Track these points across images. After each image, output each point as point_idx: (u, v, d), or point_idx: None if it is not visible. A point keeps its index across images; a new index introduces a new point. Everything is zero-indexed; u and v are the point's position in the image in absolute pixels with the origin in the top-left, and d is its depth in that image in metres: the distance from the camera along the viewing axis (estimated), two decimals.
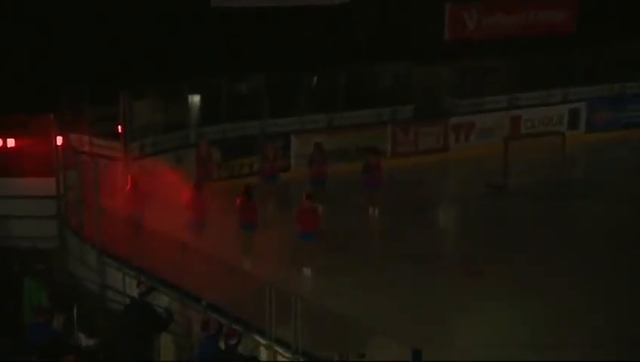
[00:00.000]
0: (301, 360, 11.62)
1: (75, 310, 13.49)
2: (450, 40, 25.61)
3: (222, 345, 11.76)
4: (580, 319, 13.98)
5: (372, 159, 19.25)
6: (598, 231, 18.35)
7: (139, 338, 12.36)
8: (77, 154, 17.56)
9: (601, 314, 14.15)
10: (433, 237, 18.46)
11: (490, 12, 26.17)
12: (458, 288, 15.13)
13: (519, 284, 15.24)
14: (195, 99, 21.84)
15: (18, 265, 15.20)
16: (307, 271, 15.71)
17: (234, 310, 12.71)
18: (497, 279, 15.55)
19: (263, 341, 12.22)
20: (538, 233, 18.09)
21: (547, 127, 24.71)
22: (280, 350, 11.99)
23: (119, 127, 19.05)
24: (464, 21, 25.91)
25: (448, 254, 17.57)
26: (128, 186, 16.88)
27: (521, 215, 19.47)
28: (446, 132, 23.87)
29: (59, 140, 17.72)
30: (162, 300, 13.50)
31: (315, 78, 23.13)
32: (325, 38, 23.25)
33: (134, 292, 14.21)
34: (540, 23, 26.69)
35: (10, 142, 18.21)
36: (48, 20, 20.92)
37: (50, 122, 17.68)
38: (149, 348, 12.56)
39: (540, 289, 15.03)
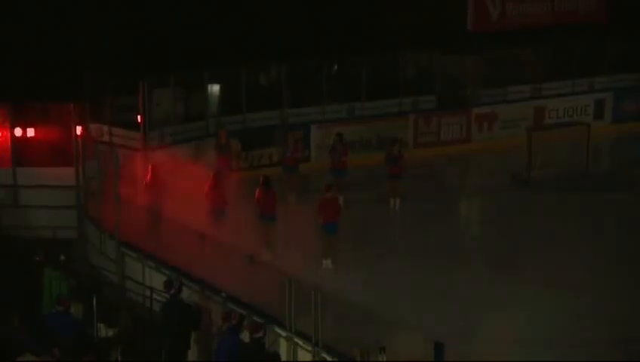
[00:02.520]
0: (321, 352, 11.46)
1: (94, 300, 13.41)
2: (473, 30, 25.28)
3: (245, 338, 11.63)
4: (605, 313, 13.71)
5: (394, 149, 19.06)
6: (623, 223, 18.02)
7: (179, 337, 12.32)
8: (96, 144, 17.50)
9: (628, 308, 13.87)
10: (456, 229, 18.23)
11: (514, 1, 25.79)
12: (482, 281, 14.91)
13: (544, 277, 14.99)
14: (215, 89, 21.72)
15: (39, 255, 15.14)
16: (328, 263, 15.55)
17: (254, 302, 12.57)
18: (522, 272, 15.31)
19: (283, 333, 12.09)
20: (562, 225, 17.82)
21: (572, 118, 24.36)
22: (300, 342, 11.85)
23: (139, 116, 18.97)
24: (487, 10, 25.57)
25: (471, 247, 17.33)
26: (148, 176, 16.78)
27: (545, 207, 19.19)
28: (469, 122, 23.60)
29: (78, 130, 17.66)
30: (186, 293, 13.37)
31: (336, 66, 22.91)
32: (347, 26, 23.04)
33: (154, 285, 14.14)
34: (566, 12, 26.29)
35: (30, 132, 18.18)
36: (69, 10, 20.89)
37: (69, 112, 17.63)
38: (188, 346, 12.51)
39: (565, 282, 14.76)
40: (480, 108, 23.83)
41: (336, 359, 11.15)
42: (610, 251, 16.38)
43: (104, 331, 13.35)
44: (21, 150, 17.97)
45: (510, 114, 24.00)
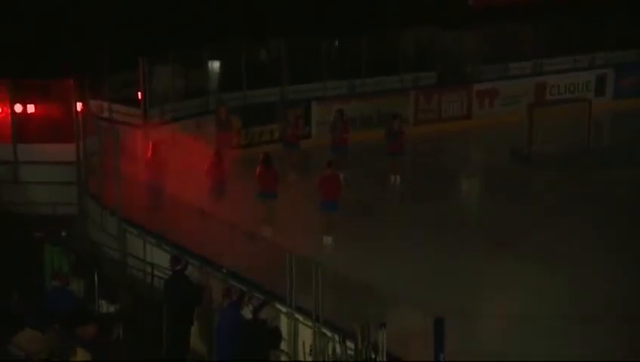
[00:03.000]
0: (322, 328, 11.51)
1: (95, 276, 13.45)
2: (474, 5, 25.14)
3: (246, 314, 11.67)
4: (606, 290, 13.75)
5: (395, 125, 19.03)
6: (624, 199, 18.03)
7: (182, 313, 12.37)
8: (97, 121, 17.47)
9: (628, 284, 13.91)
10: (456, 205, 18.23)
11: None
12: (482, 258, 14.92)
13: (544, 254, 15.01)
14: (215, 65, 21.63)
15: (39, 232, 15.17)
16: (328, 240, 15.57)
17: (254, 278, 12.61)
18: (522, 248, 15.33)
19: (283, 309, 12.13)
20: (563, 202, 17.82)
21: (573, 94, 24.30)
22: (300, 318, 11.90)
23: (139, 93, 18.92)
24: None
25: (472, 223, 17.34)
26: (149, 153, 16.77)
27: (546, 183, 19.19)
28: (470, 99, 23.55)
29: (79, 106, 17.63)
30: (188, 270, 13.40)
31: (337, 42, 22.79)
32: (348, 2, 22.92)
33: (155, 261, 14.17)
34: None
35: (30, 108, 18.15)
36: None
37: (70, 88, 17.59)
38: (191, 322, 12.57)
39: (565, 258, 14.80)
40: (481, 84, 23.77)
41: (336, 335, 11.20)
42: (610, 227, 16.39)
43: (105, 307, 13.40)
44: (21, 126, 17.94)
45: (511, 90, 23.94)
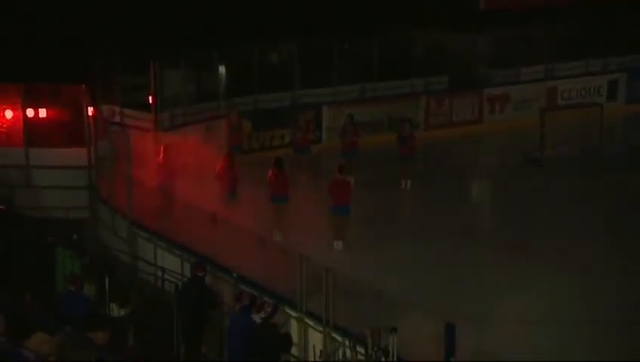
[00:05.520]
0: (332, 333, 11.49)
1: (106, 280, 13.47)
2: (486, 8, 25.11)
3: (257, 319, 11.67)
4: (617, 295, 13.68)
5: (405, 129, 19.01)
6: (636, 203, 17.93)
7: (197, 317, 12.39)
8: (108, 125, 17.53)
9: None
10: (467, 210, 18.16)
11: None
12: (493, 263, 14.87)
13: (556, 259, 14.94)
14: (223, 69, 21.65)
15: (51, 235, 15.23)
16: (339, 244, 15.55)
17: (265, 282, 12.61)
18: (534, 254, 15.26)
19: (293, 313, 12.13)
20: (575, 207, 17.74)
21: (585, 99, 24.22)
22: (311, 323, 11.89)
23: (150, 97, 18.98)
24: None
25: (483, 227, 17.29)
26: (160, 157, 16.81)
27: (558, 188, 19.11)
28: (481, 103, 23.49)
29: (90, 111, 17.69)
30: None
31: (347, 45, 22.74)
32: (359, 5, 22.93)
33: (165, 265, 14.19)
34: None
35: (42, 113, 18.22)
36: None
37: (81, 93, 17.66)
38: (205, 325, 12.58)
39: (577, 264, 14.73)
40: (492, 89, 23.72)
41: (346, 339, 11.18)
42: (622, 230, 16.31)
43: (116, 311, 13.42)
44: (33, 130, 18.02)
45: (523, 95, 23.88)
